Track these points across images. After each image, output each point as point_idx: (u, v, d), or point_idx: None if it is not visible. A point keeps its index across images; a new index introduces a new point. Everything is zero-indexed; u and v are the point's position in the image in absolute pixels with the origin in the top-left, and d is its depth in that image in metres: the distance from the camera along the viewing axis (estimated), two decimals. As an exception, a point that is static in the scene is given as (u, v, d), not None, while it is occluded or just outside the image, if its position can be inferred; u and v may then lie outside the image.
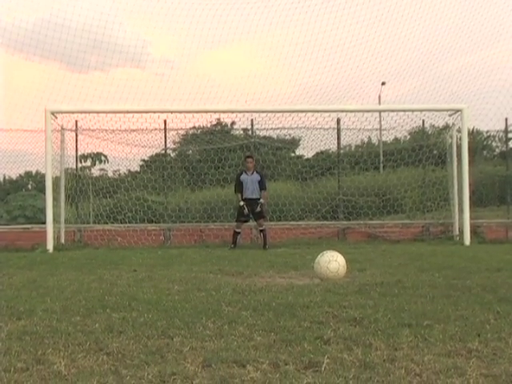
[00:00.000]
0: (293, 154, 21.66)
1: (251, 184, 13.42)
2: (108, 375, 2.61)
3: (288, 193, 16.90)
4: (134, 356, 2.94)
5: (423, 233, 15.64)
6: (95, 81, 19.49)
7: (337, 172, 17.04)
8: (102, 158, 19.05)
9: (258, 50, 21.39)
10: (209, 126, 19.83)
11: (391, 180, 17.22)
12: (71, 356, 2.97)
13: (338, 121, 16.22)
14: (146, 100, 15.73)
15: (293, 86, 18.73)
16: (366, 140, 20.48)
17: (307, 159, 20.64)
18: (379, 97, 27.85)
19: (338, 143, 16.75)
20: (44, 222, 13.73)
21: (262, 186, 13.47)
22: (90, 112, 14.87)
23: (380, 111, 16.39)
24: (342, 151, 17.14)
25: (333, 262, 6.21)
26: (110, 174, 20.00)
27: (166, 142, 16.88)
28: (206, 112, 15.39)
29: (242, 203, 13.49)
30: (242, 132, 18.89)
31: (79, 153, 16.91)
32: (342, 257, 6.34)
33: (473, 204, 14.31)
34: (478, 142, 21.51)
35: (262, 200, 13.54)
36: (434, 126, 17.50)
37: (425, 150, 16.62)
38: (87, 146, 17.31)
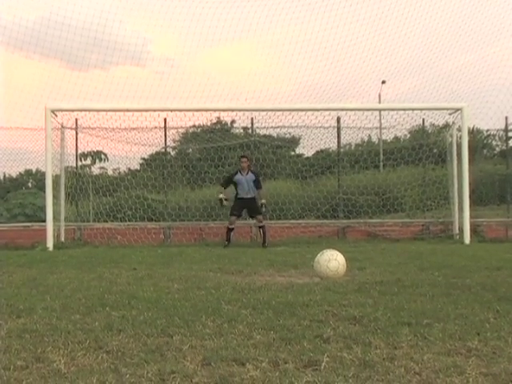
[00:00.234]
0: (293, 153, 21.65)
1: (246, 184, 13.41)
2: (108, 373, 2.61)
3: (288, 191, 16.90)
4: (133, 354, 2.94)
5: (423, 231, 15.65)
6: (95, 79, 19.43)
7: (337, 171, 17.04)
8: (102, 156, 19.04)
9: (258, 48, 21.36)
10: (209, 124, 19.83)
11: (391, 179, 17.23)
12: (71, 354, 2.97)
13: (338, 119, 16.22)
14: (146, 98, 15.72)
15: (293, 84, 18.70)
16: (366, 139, 20.47)
17: (307, 158, 20.64)
18: (379, 95, 27.84)
19: (338, 142, 16.74)
20: (44, 220, 13.73)
21: (257, 185, 13.46)
22: (90, 110, 14.86)
23: (380, 110, 16.38)
24: (342, 150, 17.14)
25: (332, 260, 6.22)
26: (110, 173, 20.00)
27: (166, 141, 16.88)
28: (206, 110, 15.39)
29: (221, 195, 13.63)
30: (242, 130, 18.88)
31: (79, 151, 16.92)
32: (342, 255, 6.34)
33: (473, 203, 14.31)
34: (478, 141, 21.48)
35: (263, 200, 13.55)
36: (434, 124, 17.50)
37: (425, 148, 16.63)
38: (87, 145, 17.31)
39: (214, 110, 15.73)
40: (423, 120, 16.55)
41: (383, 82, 26.47)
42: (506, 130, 17.88)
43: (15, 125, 18.26)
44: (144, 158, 20.49)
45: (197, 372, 2.62)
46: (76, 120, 16.00)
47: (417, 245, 12.80)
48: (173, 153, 20.01)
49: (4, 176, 26.13)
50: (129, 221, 16.20)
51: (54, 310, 4.18)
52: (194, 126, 18.13)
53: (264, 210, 13.71)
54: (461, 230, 14.43)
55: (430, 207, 16.85)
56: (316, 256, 6.42)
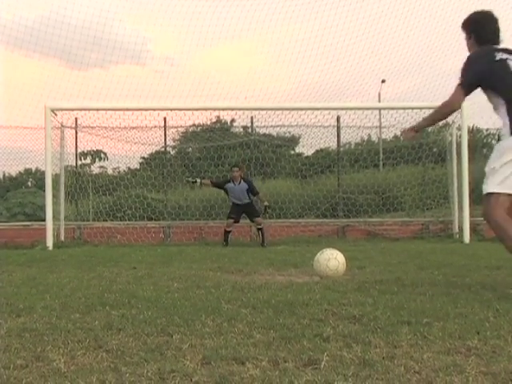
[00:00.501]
0: (292, 152, 21.68)
1: (239, 193, 13.40)
2: (107, 372, 2.61)
3: (287, 190, 16.91)
4: (133, 353, 2.94)
5: (423, 231, 15.65)
6: (95, 78, 19.48)
7: (336, 170, 17.05)
8: (102, 155, 19.07)
9: (258, 47, 21.35)
10: (208, 123, 19.86)
11: (391, 178, 17.24)
12: (71, 353, 2.97)
13: (338, 118, 16.23)
14: (145, 97, 15.73)
15: (292, 83, 18.75)
16: (365, 138, 20.50)
17: (307, 157, 20.66)
18: (379, 94, 27.87)
19: (338, 141, 16.76)
20: (44, 220, 13.74)
21: (252, 192, 13.43)
22: (89, 109, 14.87)
23: (380, 109, 16.39)
24: (341, 149, 17.16)
25: (332, 259, 6.22)
26: (110, 172, 20.04)
27: (165, 140, 16.90)
28: (206, 109, 15.39)
29: (198, 180, 13.86)
30: (241, 129, 18.90)
31: (79, 150, 16.95)
32: (342, 255, 6.34)
33: (472, 202, 14.29)
34: (478, 140, 21.46)
35: (266, 203, 13.56)
36: (433, 123, 17.47)
37: (424, 147, 16.64)
38: (87, 144, 17.34)
39: (214, 109, 15.73)
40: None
41: (383, 81, 26.52)
42: (506, 129, 17.84)
43: (15, 124, 18.28)
44: (144, 157, 20.51)
45: (196, 371, 2.62)
46: (76, 119, 16.02)
47: (416, 244, 12.81)
48: (172, 152, 20.04)
49: (4, 175, 26.15)
50: (128, 220, 16.22)
51: (53, 309, 4.18)
52: (193, 124, 18.15)
53: (268, 211, 13.74)
54: (460, 229, 14.43)
55: (430, 206, 16.86)
56: (316, 255, 6.42)
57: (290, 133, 18.85)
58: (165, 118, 16.26)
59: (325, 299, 4.43)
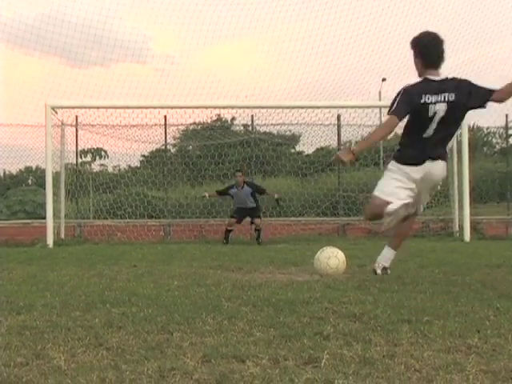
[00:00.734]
0: (293, 150, 21.70)
1: (244, 197, 13.41)
2: (108, 370, 2.61)
3: (288, 189, 16.92)
4: (133, 351, 2.94)
5: (423, 229, 15.65)
6: (95, 76, 19.49)
7: (337, 168, 17.05)
8: (102, 153, 19.09)
9: (259, 45, 21.34)
10: (209, 121, 19.85)
11: (391, 176, 17.20)
12: (71, 351, 2.97)
13: (339, 117, 16.23)
14: (146, 95, 15.71)
15: (293, 81, 18.75)
16: (366, 136, 20.47)
17: (307, 155, 20.68)
18: (379, 93, 27.82)
19: (339, 139, 16.76)
20: (44, 217, 13.76)
21: (259, 192, 13.47)
22: (90, 107, 14.87)
23: (380, 107, 16.36)
24: (342, 147, 17.13)
25: (332, 257, 6.22)
26: (110, 170, 20.06)
27: (166, 138, 16.91)
28: (206, 108, 15.39)
29: (205, 194, 14.08)
30: (242, 128, 18.92)
31: (79, 148, 16.96)
32: (342, 253, 6.34)
33: (473, 200, 14.33)
34: (479, 139, 21.51)
35: (277, 195, 13.61)
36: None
37: (425, 146, 16.59)
38: (87, 142, 17.36)
39: (214, 107, 15.73)
40: (423, 117, 16.52)
41: (383, 80, 26.43)
42: (507, 128, 17.89)
43: (15, 122, 18.30)
44: (144, 155, 20.53)
45: (197, 369, 2.62)
46: (76, 117, 16.03)
47: (417, 242, 12.80)
48: (173, 150, 20.05)
49: (4, 173, 26.14)
50: (129, 218, 16.23)
51: (54, 307, 4.18)
52: (194, 123, 18.16)
53: (281, 203, 13.78)
54: (461, 227, 14.44)
55: (430, 205, 16.83)
56: (316, 253, 6.42)
57: (290, 131, 18.88)
58: (165, 116, 16.26)
59: (325, 297, 4.43)
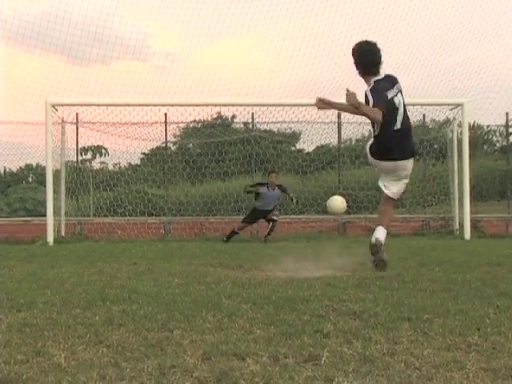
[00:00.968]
0: (293, 148, 21.67)
1: (272, 199, 13.30)
2: (108, 367, 2.62)
3: (288, 187, 16.90)
4: (133, 349, 2.94)
5: (423, 227, 15.67)
6: (96, 73, 19.41)
7: (337, 166, 17.06)
8: (103, 150, 19.06)
9: (259, 43, 21.31)
10: (209, 119, 19.83)
11: (392, 174, 17.20)
12: (71, 348, 2.97)
13: (339, 115, 16.21)
14: (146, 93, 15.69)
15: (294, 79, 18.68)
16: (366, 134, 20.43)
17: (308, 153, 20.64)
18: (380, 91, 27.79)
19: (339, 137, 16.76)
20: (44, 215, 13.77)
21: (285, 192, 13.39)
22: (90, 105, 14.87)
23: (381, 105, 16.33)
24: (342, 145, 17.16)
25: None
26: (111, 167, 20.04)
27: (166, 136, 16.91)
28: (207, 105, 15.39)
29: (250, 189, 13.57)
30: (242, 125, 18.89)
31: (80, 146, 16.95)
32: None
33: (473, 198, 14.33)
34: (479, 137, 21.48)
35: (291, 194, 13.54)
36: (434, 120, 17.51)
37: (425, 144, 16.62)
38: (88, 139, 17.35)
39: (215, 105, 15.73)
40: (424, 115, 16.56)
41: (384, 78, 26.42)
42: (507, 126, 17.89)
43: (16, 119, 18.27)
44: (144, 153, 20.51)
45: (197, 366, 2.62)
46: (77, 114, 16.02)
47: (417, 240, 12.82)
48: (173, 148, 20.03)
49: (4, 170, 26.11)
50: (129, 215, 16.23)
51: (54, 305, 4.19)
52: (194, 120, 18.15)
53: (294, 202, 13.75)
54: (461, 225, 14.45)
55: (431, 203, 16.87)
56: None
57: (290, 129, 18.87)
58: (166, 114, 16.26)
59: (325, 295, 4.43)
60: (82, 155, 17.63)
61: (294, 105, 15.22)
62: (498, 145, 25.50)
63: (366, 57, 6.28)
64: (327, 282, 5.28)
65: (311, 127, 16.99)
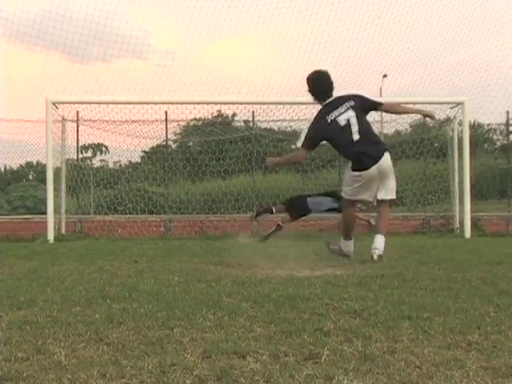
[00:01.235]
0: (294, 146, 21.66)
1: None
2: (108, 365, 2.62)
3: (288, 185, 16.92)
4: (134, 346, 2.94)
5: (423, 225, 15.67)
6: (97, 71, 19.43)
7: (338, 164, 17.04)
8: (103, 148, 19.08)
9: (260, 41, 21.29)
10: (210, 117, 19.84)
11: (392, 172, 17.20)
12: (71, 346, 2.97)
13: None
14: (147, 91, 15.69)
15: (294, 77, 18.66)
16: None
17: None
18: (380, 89, 27.79)
19: (339, 136, 16.71)
20: (45, 213, 13.78)
21: None
22: (91, 103, 14.87)
23: (381, 103, 16.33)
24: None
25: None
26: (111, 165, 20.07)
27: (166, 134, 16.91)
28: (207, 103, 15.38)
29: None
30: (243, 124, 18.89)
31: (80, 143, 16.97)
32: None
33: (473, 197, 14.33)
34: (479, 135, 21.48)
35: None
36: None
37: (426, 142, 16.63)
38: (88, 137, 17.38)
39: (215, 103, 15.71)
40: (424, 114, 16.50)
41: (384, 76, 26.37)
42: (507, 125, 17.90)
43: (16, 117, 18.32)
44: (145, 151, 20.54)
45: (197, 364, 2.62)
46: (77, 112, 16.03)
47: (417, 239, 12.82)
48: (174, 146, 20.05)
49: (5, 168, 26.12)
50: (129, 213, 16.24)
51: (54, 302, 4.18)
52: (194, 118, 18.15)
53: None
54: (461, 224, 14.45)
55: (431, 201, 16.87)
56: None
57: (291, 127, 18.86)
58: (166, 112, 16.26)
59: (325, 293, 4.43)
60: (82, 153, 17.66)
61: (294, 103, 15.21)
62: (498, 143, 25.53)
63: (317, 85, 7.09)
64: (327, 280, 5.28)
65: (312, 125, 16.96)
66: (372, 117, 15.74)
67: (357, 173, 6.95)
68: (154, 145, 19.60)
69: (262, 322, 3.47)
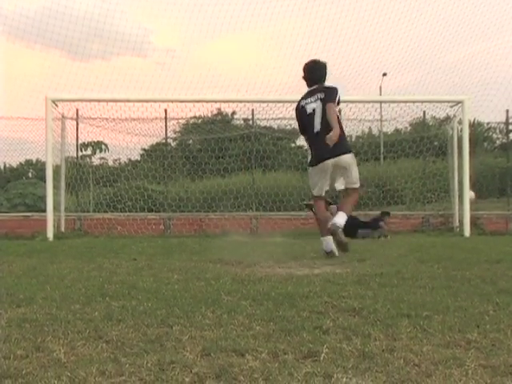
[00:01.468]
0: (293, 145, 21.70)
1: None
2: (107, 363, 2.62)
3: (288, 183, 16.92)
4: (133, 344, 2.94)
5: (423, 224, 15.67)
6: (96, 69, 19.48)
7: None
8: (103, 146, 19.08)
9: (260, 39, 21.31)
10: (209, 115, 19.83)
11: (391, 171, 17.25)
12: (71, 344, 2.97)
13: (339, 111, 16.17)
14: (146, 89, 15.69)
15: (294, 75, 18.65)
16: (366, 131, 20.49)
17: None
18: (380, 88, 27.82)
19: (339, 134, 16.70)
20: (44, 210, 13.77)
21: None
22: (90, 100, 14.86)
23: (381, 102, 16.36)
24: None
25: None
26: (111, 163, 20.07)
27: (166, 132, 16.91)
28: (207, 101, 15.36)
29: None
30: (242, 122, 18.89)
31: (80, 141, 16.97)
32: None
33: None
34: (479, 134, 21.49)
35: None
36: (434, 117, 17.52)
37: (425, 141, 16.63)
38: (88, 135, 17.38)
39: (215, 101, 15.70)
40: (424, 112, 16.55)
41: (384, 75, 26.40)
42: (507, 123, 17.90)
43: (16, 114, 18.32)
44: (144, 149, 20.53)
45: (196, 362, 2.62)
46: (77, 110, 16.02)
47: (417, 237, 12.82)
48: (173, 144, 20.04)
49: (4, 166, 26.12)
50: (129, 211, 16.24)
51: (53, 300, 4.18)
52: (194, 116, 18.14)
53: None
54: (461, 222, 14.44)
55: (431, 200, 16.88)
56: None
57: (290, 125, 18.82)
58: (166, 110, 16.25)
59: (325, 292, 4.43)
60: (82, 151, 17.66)
61: (294, 101, 14.98)
62: (498, 142, 25.52)
63: (308, 73, 7.75)
64: (326, 278, 5.28)
65: (311, 124, 16.94)
66: (372, 115, 15.78)
67: (315, 166, 7.47)
68: (154, 143, 19.60)
69: (261, 320, 3.47)
